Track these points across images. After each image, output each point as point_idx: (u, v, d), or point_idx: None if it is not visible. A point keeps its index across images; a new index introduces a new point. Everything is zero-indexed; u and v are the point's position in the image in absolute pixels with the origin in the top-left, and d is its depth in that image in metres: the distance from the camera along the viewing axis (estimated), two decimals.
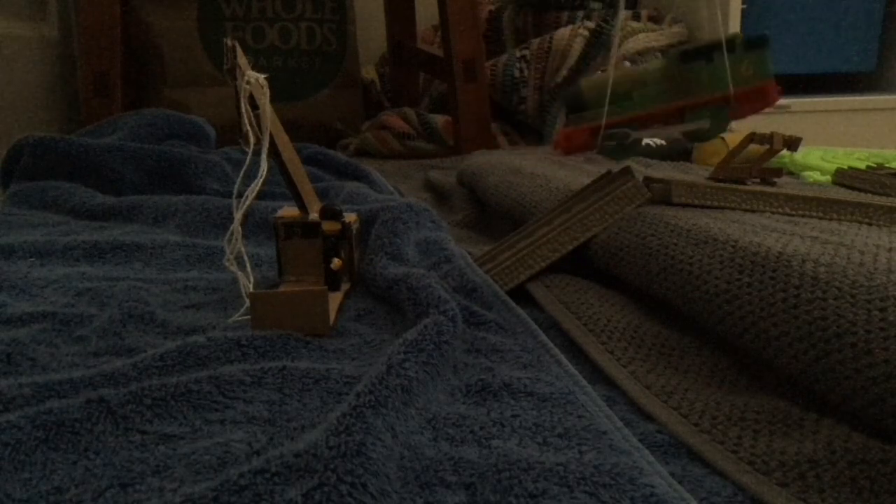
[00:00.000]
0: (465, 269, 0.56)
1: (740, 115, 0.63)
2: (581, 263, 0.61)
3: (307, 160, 1.02)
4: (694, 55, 0.60)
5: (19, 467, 0.32)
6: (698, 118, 0.61)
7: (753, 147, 0.71)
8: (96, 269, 0.60)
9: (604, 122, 0.61)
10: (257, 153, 0.47)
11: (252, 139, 0.46)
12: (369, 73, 1.74)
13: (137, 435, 0.35)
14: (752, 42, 0.61)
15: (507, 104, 1.54)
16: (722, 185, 0.64)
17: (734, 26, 1.45)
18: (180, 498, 0.28)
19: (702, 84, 0.61)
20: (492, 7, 1.69)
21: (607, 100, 0.61)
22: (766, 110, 0.68)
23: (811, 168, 0.83)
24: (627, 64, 0.64)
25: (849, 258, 0.43)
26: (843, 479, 0.33)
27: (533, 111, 1.52)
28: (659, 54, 0.64)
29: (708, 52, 0.60)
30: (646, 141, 1.17)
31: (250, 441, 0.34)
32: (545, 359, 0.45)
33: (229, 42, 0.45)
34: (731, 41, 0.60)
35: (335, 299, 0.53)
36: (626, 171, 0.64)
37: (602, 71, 0.62)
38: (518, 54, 1.53)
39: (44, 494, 0.30)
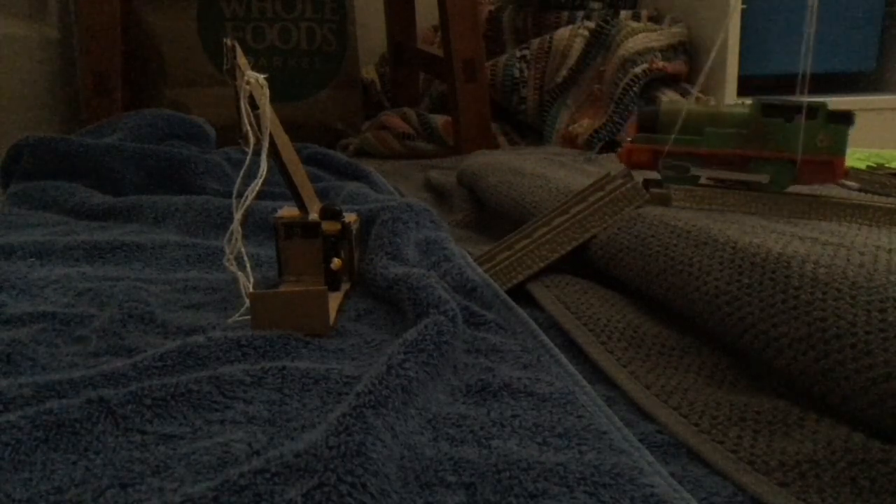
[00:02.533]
0: (465, 268, 0.56)
1: (802, 182, 0.64)
2: (581, 264, 0.61)
3: (307, 160, 1.02)
4: (776, 110, 0.61)
5: (19, 467, 0.32)
6: (761, 171, 0.62)
7: None
8: (96, 269, 0.60)
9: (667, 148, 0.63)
10: (257, 153, 0.47)
11: (252, 139, 0.46)
12: (369, 73, 1.74)
13: (137, 435, 0.35)
14: (835, 116, 0.62)
15: (507, 104, 1.54)
16: (721, 187, 0.64)
17: (734, 26, 1.45)
18: (180, 498, 0.28)
19: (775, 140, 0.61)
20: (492, 7, 1.69)
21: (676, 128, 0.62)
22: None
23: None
24: (712, 100, 0.65)
25: (849, 259, 0.43)
26: (843, 479, 0.33)
27: (533, 111, 1.52)
28: (741, 103, 0.65)
29: (790, 111, 0.61)
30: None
31: (250, 441, 0.34)
32: (545, 359, 0.45)
33: (229, 42, 0.45)
34: (814, 109, 0.61)
35: (335, 299, 0.53)
36: (626, 173, 0.64)
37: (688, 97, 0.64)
38: (518, 54, 1.53)
39: (44, 494, 0.30)
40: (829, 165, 0.62)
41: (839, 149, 0.62)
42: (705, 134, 0.63)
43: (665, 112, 0.64)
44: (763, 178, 0.63)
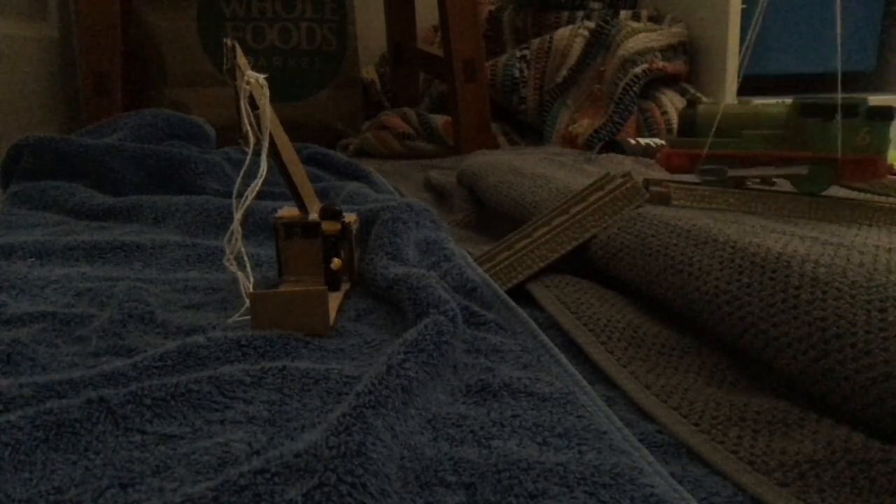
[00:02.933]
0: (465, 268, 0.56)
1: (845, 182, 0.63)
2: (581, 263, 0.61)
3: (307, 160, 1.02)
4: (814, 110, 0.60)
5: (19, 467, 0.32)
6: (796, 169, 0.62)
7: None
8: (96, 269, 0.60)
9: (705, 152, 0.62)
10: (257, 153, 0.47)
11: (252, 139, 0.46)
12: (369, 73, 1.74)
13: (137, 435, 0.35)
14: (876, 112, 0.60)
15: (507, 104, 1.54)
16: (721, 187, 0.64)
17: (734, 26, 1.45)
18: (180, 498, 0.28)
19: (814, 141, 0.60)
20: (492, 7, 1.69)
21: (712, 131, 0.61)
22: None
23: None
24: (751, 101, 0.64)
25: (848, 259, 0.43)
26: (843, 479, 0.33)
27: (533, 111, 1.52)
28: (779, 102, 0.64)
29: (829, 111, 0.60)
30: (646, 141, 1.17)
31: (250, 441, 0.34)
32: (545, 359, 0.45)
33: (229, 42, 0.45)
34: (854, 106, 0.60)
35: (335, 299, 0.53)
36: (626, 173, 0.64)
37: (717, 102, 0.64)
38: (518, 54, 1.53)
39: (44, 494, 0.30)
40: (872, 164, 0.61)
41: (882, 146, 0.61)
42: (743, 136, 0.62)
43: (703, 114, 0.63)
44: (801, 170, 0.62)
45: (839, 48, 0.57)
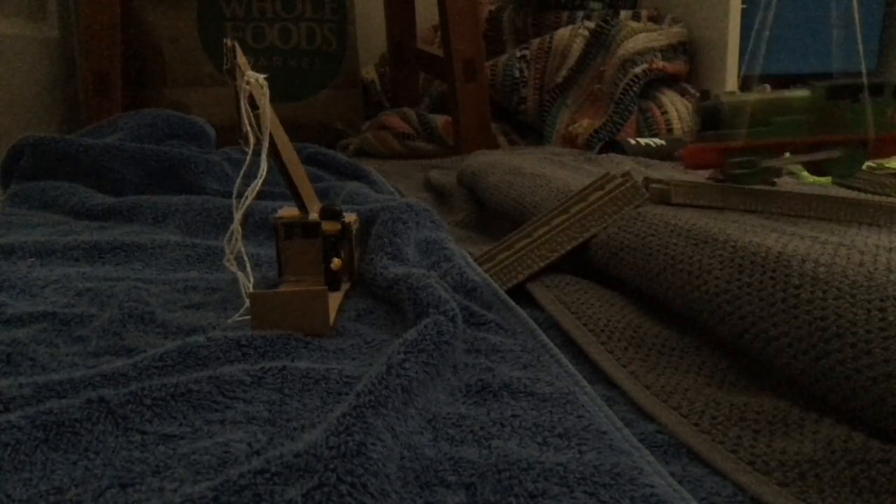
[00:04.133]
0: (465, 268, 0.56)
1: (881, 156, 0.63)
2: (581, 263, 0.61)
3: (307, 160, 1.02)
4: (841, 92, 0.60)
5: (19, 467, 0.32)
6: (828, 153, 0.61)
7: None
8: (96, 269, 0.60)
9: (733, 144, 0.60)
10: (257, 153, 0.47)
11: (252, 139, 0.46)
12: (369, 73, 1.74)
13: (137, 435, 0.35)
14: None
15: (507, 104, 1.54)
16: (721, 185, 0.64)
17: (734, 26, 1.45)
18: (180, 498, 0.28)
19: (845, 123, 0.60)
20: (492, 7, 1.69)
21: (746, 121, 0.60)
22: None
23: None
24: (767, 87, 0.62)
25: (849, 258, 0.43)
26: (843, 479, 0.33)
27: (533, 111, 1.52)
28: (799, 86, 0.62)
29: (855, 91, 0.60)
30: (646, 141, 1.17)
31: (250, 441, 0.34)
32: (545, 359, 0.45)
33: (229, 42, 0.45)
34: (879, 85, 0.60)
35: (335, 299, 0.53)
36: (626, 173, 0.64)
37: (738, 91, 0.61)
38: (518, 54, 1.53)
39: (44, 494, 0.30)
40: None
41: None
42: (774, 124, 0.60)
43: (730, 105, 0.61)
44: (834, 154, 0.61)
45: (857, 27, 0.57)
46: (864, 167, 0.64)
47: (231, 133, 0.51)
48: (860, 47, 0.58)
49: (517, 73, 1.51)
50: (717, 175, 0.64)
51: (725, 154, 0.61)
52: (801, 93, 0.62)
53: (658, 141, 1.18)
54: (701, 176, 0.71)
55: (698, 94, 0.64)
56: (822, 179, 0.87)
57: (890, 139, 0.61)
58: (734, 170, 0.61)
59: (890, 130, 0.61)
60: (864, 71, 0.58)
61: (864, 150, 0.61)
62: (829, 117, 0.60)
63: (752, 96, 0.61)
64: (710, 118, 0.61)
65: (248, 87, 0.45)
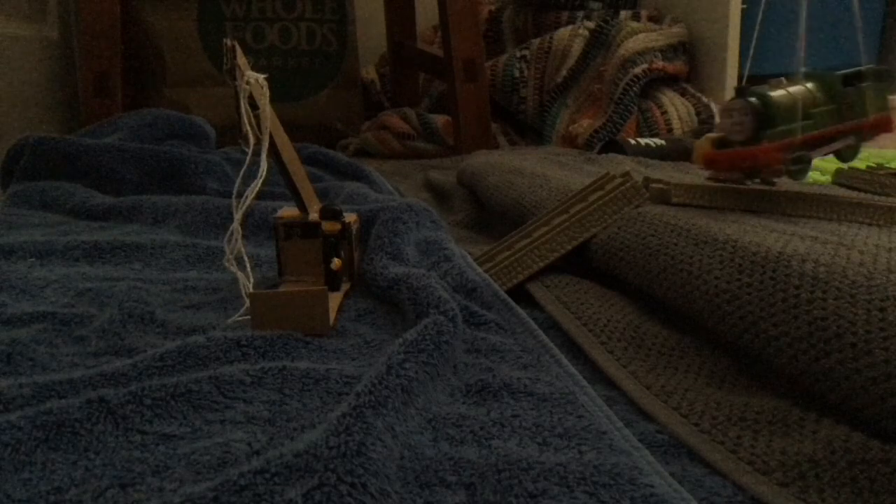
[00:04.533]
0: (465, 268, 0.56)
1: (867, 140, 0.64)
2: (581, 263, 0.61)
3: (307, 160, 1.02)
4: (850, 80, 0.61)
5: (19, 467, 0.32)
6: (845, 141, 0.62)
7: None
8: (96, 269, 0.60)
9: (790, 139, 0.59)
10: (257, 153, 0.47)
11: (252, 139, 0.46)
12: (369, 73, 1.74)
13: (137, 435, 0.35)
14: (878, 73, 0.62)
15: (507, 104, 1.54)
16: (721, 185, 0.64)
17: (734, 26, 1.45)
18: (180, 498, 0.28)
19: (853, 109, 0.61)
20: (492, 7, 1.69)
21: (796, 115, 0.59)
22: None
23: (811, 168, 0.83)
24: (783, 80, 0.61)
25: (848, 258, 0.43)
26: (843, 479, 0.33)
27: (533, 111, 1.52)
28: (789, 79, 0.62)
29: (857, 78, 0.61)
30: (646, 141, 1.17)
31: (250, 441, 0.34)
32: (545, 359, 0.45)
33: (229, 42, 0.45)
34: (876, 71, 0.61)
35: (335, 299, 0.53)
36: (626, 173, 0.64)
37: (768, 84, 0.60)
38: (518, 54, 1.53)
39: (44, 494, 0.30)
40: (885, 121, 0.63)
41: (886, 105, 0.63)
42: (815, 116, 0.60)
43: (782, 100, 0.59)
44: (850, 142, 0.62)
45: (857, 15, 0.57)
46: (864, 164, 0.64)
47: (231, 133, 0.51)
48: (860, 44, 0.58)
49: (517, 73, 1.51)
50: (718, 176, 0.64)
51: (786, 151, 0.59)
52: (814, 82, 0.62)
53: (658, 141, 1.18)
54: (697, 175, 0.71)
55: (735, 90, 0.62)
56: (822, 178, 0.87)
57: (879, 121, 0.62)
58: (793, 166, 0.60)
59: (879, 112, 0.62)
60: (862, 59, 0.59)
61: (860, 135, 0.62)
62: (845, 105, 0.61)
63: (795, 89, 0.61)
64: (766, 116, 0.58)
65: (248, 87, 0.45)
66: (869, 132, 0.63)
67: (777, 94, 0.59)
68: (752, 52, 0.59)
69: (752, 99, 0.58)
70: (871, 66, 0.61)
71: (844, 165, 0.69)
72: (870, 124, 0.62)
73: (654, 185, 0.63)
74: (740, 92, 0.60)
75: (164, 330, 0.48)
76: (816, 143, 0.61)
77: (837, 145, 0.62)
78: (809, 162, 0.61)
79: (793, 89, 0.60)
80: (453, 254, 0.59)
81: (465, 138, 1.36)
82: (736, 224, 0.53)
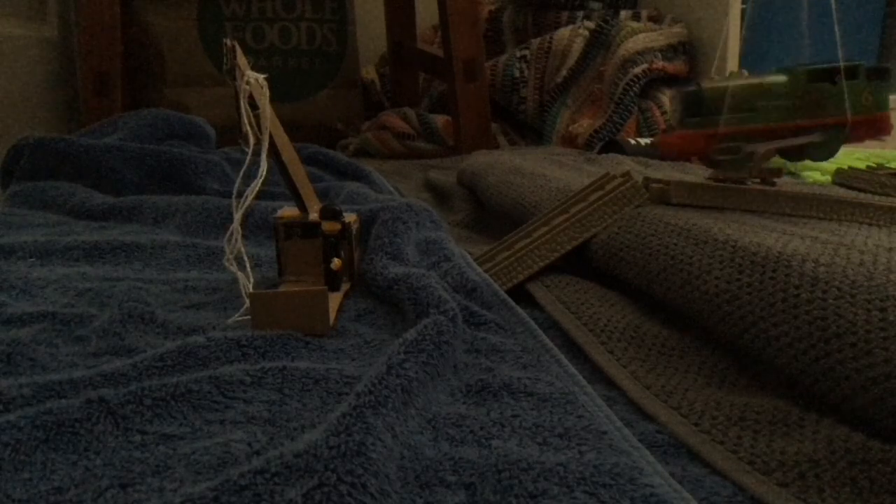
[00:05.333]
0: (465, 268, 0.56)
1: (854, 141, 0.64)
2: (581, 263, 0.61)
3: (307, 160, 1.02)
4: (820, 75, 0.61)
5: (19, 467, 0.32)
6: (809, 137, 0.62)
7: None
8: (96, 269, 0.60)
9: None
10: (257, 153, 0.47)
11: (252, 139, 0.46)
12: (369, 73, 1.74)
13: (137, 435, 0.35)
14: (873, 72, 0.62)
15: (507, 104, 1.54)
16: (721, 185, 0.64)
17: (734, 26, 1.45)
18: (180, 498, 0.28)
19: (824, 106, 0.61)
20: (492, 7, 1.69)
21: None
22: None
23: (811, 168, 0.83)
24: (745, 73, 0.62)
25: (849, 258, 0.43)
26: (843, 479, 0.33)
27: (533, 111, 1.52)
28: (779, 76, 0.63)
29: (832, 75, 0.60)
30: (646, 141, 1.17)
31: (250, 441, 0.34)
32: (545, 359, 0.45)
33: (229, 42, 0.45)
34: (853, 68, 0.61)
35: (335, 299, 0.53)
36: (626, 173, 0.64)
37: (715, 77, 0.61)
38: (518, 54, 1.53)
39: (44, 494, 0.30)
40: (877, 121, 0.62)
41: (883, 104, 0.62)
42: (759, 109, 0.61)
43: (710, 92, 0.61)
44: (816, 138, 0.62)
45: (834, 13, 0.58)
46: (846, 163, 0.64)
47: (231, 133, 0.51)
48: (837, 36, 0.58)
49: (517, 73, 1.51)
50: (718, 175, 0.64)
51: (711, 140, 0.61)
52: (780, 77, 0.62)
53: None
54: (698, 174, 0.71)
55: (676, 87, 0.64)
56: (822, 178, 0.86)
57: (864, 121, 0.62)
58: (720, 156, 0.61)
59: (865, 112, 0.61)
60: (840, 55, 0.59)
61: (842, 133, 0.62)
62: (809, 101, 0.61)
63: (733, 82, 0.61)
64: (693, 105, 0.61)
65: (248, 87, 0.45)
66: (857, 132, 0.62)
67: (709, 85, 0.61)
68: (736, 50, 0.59)
69: (690, 89, 0.61)
70: (859, 62, 0.61)
71: (845, 165, 0.69)
72: (854, 123, 0.61)
73: (654, 186, 0.63)
74: (686, 84, 0.62)
75: (164, 330, 0.48)
76: (761, 136, 0.61)
77: (796, 141, 0.62)
78: (749, 154, 0.61)
79: (737, 82, 0.61)
80: (453, 254, 0.59)
81: (465, 138, 1.36)
82: (736, 224, 0.53)
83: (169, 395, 0.37)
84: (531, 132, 1.55)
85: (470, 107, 1.37)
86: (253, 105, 0.46)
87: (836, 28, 0.56)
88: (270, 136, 0.47)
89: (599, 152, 1.17)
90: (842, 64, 0.60)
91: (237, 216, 0.48)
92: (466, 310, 0.50)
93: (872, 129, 0.63)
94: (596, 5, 1.61)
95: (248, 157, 0.46)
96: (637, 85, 1.40)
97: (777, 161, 0.65)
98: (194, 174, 0.89)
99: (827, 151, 0.62)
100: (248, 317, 0.47)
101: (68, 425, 0.34)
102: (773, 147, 0.62)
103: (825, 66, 0.61)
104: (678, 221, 0.54)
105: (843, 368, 0.36)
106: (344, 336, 0.48)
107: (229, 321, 0.49)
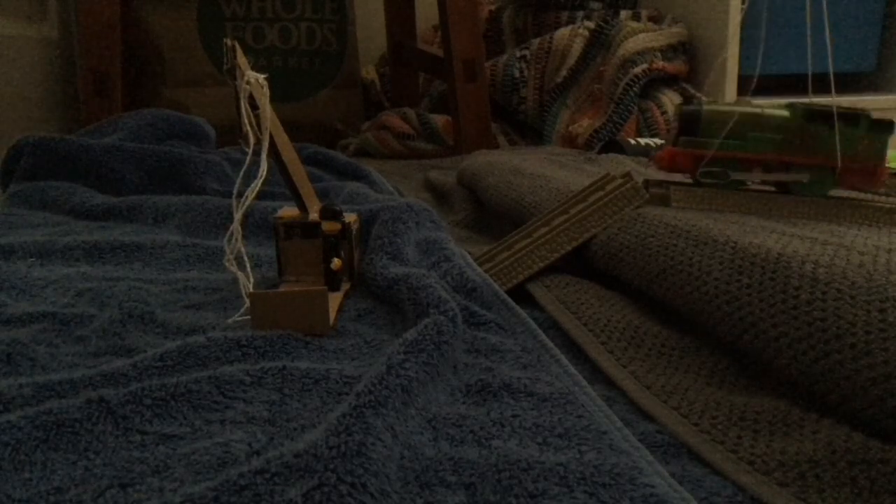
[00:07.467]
0: (465, 268, 0.56)
1: (844, 187, 0.64)
2: (581, 264, 0.61)
3: (307, 160, 1.02)
4: (818, 116, 0.61)
5: (19, 467, 0.32)
6: (796, 175, 0.62)
7: None
8: (96, 269, 0.60)
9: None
10: (257, 153, 0.47)
11: (252, 139, 0.46)
12: (369, 73, 1.74)
13: (137, 435, 0.35)
14: (877, 123, 0.62)
15: (507, 104, 1.54)
16: (721, 187, 0.64)
17: (734, 26, 1.45)
18: (180, 498, 0.28)
19: (817, 147, 0.61)
20: (492, 7, 1.69)
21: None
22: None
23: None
24: (750, 101, 0.63)
25: (848, 259, 0.43)
26: (843, 479, 0.33)
27: (533, 111, 1.52)
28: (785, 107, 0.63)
29: (832, 118, 0.61)
30: (646, 141, 1.17)
31: (250, 441, 0.34)
32: (545, 359, 0.45)
33: (229, 42, 0.45)
34: (856, 116, 0.61)
35: (335, 299, 0.53)
36: (626, 173, 0.64)
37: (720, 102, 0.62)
38: (518, 54, 1.53)
39: (44, 494, 0.30)
40: (872, 172, 0.63)
41: (880, 155, 0.62)
42: (749, 139, 0.61)
43: (708, 114, 0.62)
44: (803, 178, 0.62)
45: (830, 48, 0.58)
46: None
47: (231, 133, 0.51)
48: (830, 49, 0.58)
49: (517, 73, 1.51)
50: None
51: (698, 161, 0.62)
52: (780, 112, 0.63)
53: (658, 141, 1.18)
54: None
55: (682, 99, 0.65)
56: None
57: (858, 169, 0.62)
58: (704, 178, 0.62)
59: (859, 161, 0.62)
60: (833, 88, 0.59)
61: (832, 177, 0.62)
62: (804, 139, 0.61)
63: (734, 108, 0.62)
64: (689, 124, 0.62)
65: (248, 87, 0.45)
66: (848, 178, 0.63)
67: (710, 108, 0.62)
68: (738, 51, 0.60)
69: (691, 108, 0.62)
70: (865, 112, 0.61)
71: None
72: (845, 169, 0.62)
73: (654, 190, 0.63)
74: (687, 100, 0.63)
75: (164, 330, 0.48)
76: (746, 165, 0.62)
77: (782, 177, 0.63)
78: (727, 178, 0.62)
79: (736, 109, 0.62)
80: (453, 254, 0.59)
81: (465, 138, 1.36)
82: (736, 225, 0.53)
83: (169, 395, 0.37)
84: (531, 132, 1.55)
85: (470, 107, 1.37)
86: (253, 105, 0.46)
87: (829, 42, 0.56)
88: (270, 136, 0.47)
89: (599, 152, 1.17)
90: (835, 109, 0.60)
91: (237, 216, 0.48)
92: (466, 310, 0.50)
93: (865, 178, 0.63)
94: (596, 5, 1.61)
95: (248, 157, 0.46)
96: (637, 85, 1.40)
97: None
98: (194, 174, 0.89)
99: (812, 192, 0.63)
100: (248, 317, 0.47)
101: (68, 425, 0.34)
102: (756, 178, 0.63)
103: (826, 108, 0.61)
104: (678, 222, 0.54)
105: (843, 369, 0.36)
106: (344, 336, 0.48)
107: (229, 321, 0.49)
